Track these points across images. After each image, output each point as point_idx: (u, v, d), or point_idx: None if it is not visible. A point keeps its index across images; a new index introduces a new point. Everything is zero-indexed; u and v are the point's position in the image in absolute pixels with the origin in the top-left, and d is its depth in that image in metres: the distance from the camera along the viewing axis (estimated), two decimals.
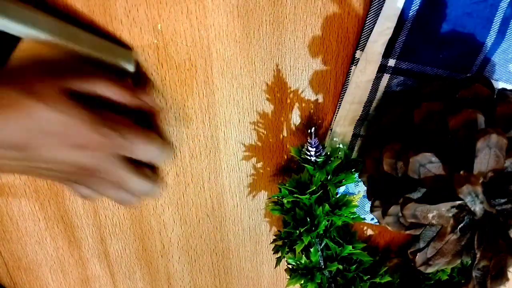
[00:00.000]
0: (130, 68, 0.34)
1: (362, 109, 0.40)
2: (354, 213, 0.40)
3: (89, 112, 0.28)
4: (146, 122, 0.34)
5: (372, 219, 0.47)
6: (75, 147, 0.27)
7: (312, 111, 0.41)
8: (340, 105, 0.40)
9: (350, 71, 0.38)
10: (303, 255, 0.41)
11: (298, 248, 0.39)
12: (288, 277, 0.42)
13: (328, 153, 0.39)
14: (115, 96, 0.30)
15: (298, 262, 0.42)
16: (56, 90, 0.27)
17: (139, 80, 0.36)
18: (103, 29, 0.34)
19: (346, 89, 0.39)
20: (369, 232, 0.49)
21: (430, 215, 0.31)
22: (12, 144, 0.26)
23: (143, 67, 0.36)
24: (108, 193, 0.31)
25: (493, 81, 0.37)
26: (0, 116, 0.25)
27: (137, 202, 0.33)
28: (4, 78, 0.27)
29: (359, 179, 0.40)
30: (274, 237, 0.43)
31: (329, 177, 0.39)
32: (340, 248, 0.41)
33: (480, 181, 0.29)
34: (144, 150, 0.30)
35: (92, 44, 0.32)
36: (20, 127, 0.26)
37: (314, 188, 0.38)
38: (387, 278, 0.43)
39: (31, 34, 0.29)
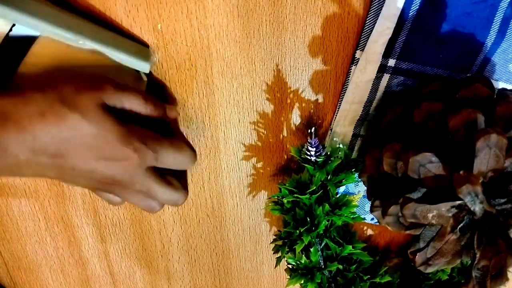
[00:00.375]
0: (146, 68, 0.34)
1: (362, 109, 0.40)
2: (354, 213, 0.40)
3: (121, 126, 0.29)
4: (167, 127, 0.34)
5: (372, 219, 0.47)
6: (107, 159, 0.28)
7: (312, 111, 0.41)
8: (340, 105, 0.40)
9: (350, 71, 0.38)
10: (303, 255, 0.41)
11: (298, 248, 0.39)
12: (288, 277, 0.42)
13: (328, 153, 0.39)
14: (145, 111, 0.31)
15: (298, 262, 0.42)
16: (93, 103, 0.28)
17: (151, 78, 0.36)
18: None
19: (346, 89, 0.39)
20: (369, 232, 0.49)
21: (430, 215, 0.31)
22: (46, 151, 0.27)
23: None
24: (135, 201, 0.32)
25: (493, 81, 0.38)
26: (41, 122, 0.26)
27: (161, 208, 0.34)
28: (35, 81, 0.28)
29: (359, 179, 0.40)
30: (274, 237, 0.43)
31: (329, 177, 0.39)
32: (340, 248, 0.41)
33: (480, 181, 0.29)
34: (172, 159, 0.31)
35: (110, 40, 0.32)
36: (57, 135, 0.26)
37: (314, 188, 0.38)
38: (387, 278, 0.43)
39: (50, 31, 0.29)
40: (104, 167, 0.29)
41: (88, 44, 0.30)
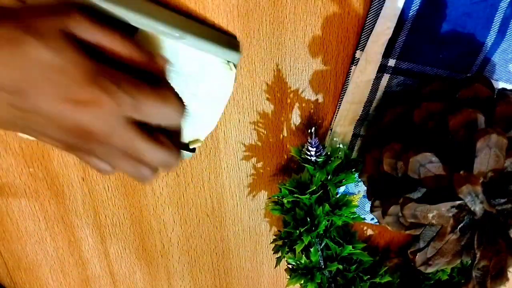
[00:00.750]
0: (236, 59, 0.33)
1: (362, 109, 0.40)
2: (354, 213, 0.40)
3: (89, 60, 0.24)
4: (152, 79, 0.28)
5: (372, 219, 0.47)
6: (74, 102, 0.24)
7: (312, 111, 0.41)
8: (340, 105, 0.40)
9: (350, 71, 0.38)
10: (303, 255, 0.41)
11: (298, 248, 0.39)
12: (288, 277, 0.42)
13: (328, 153, 0.39)
14: (123, 51, 0.26)
15: (298, 262, 0.42)
16: (56, 29, 0.23)
17: None
18: None
19: (346, 89, 0.39)
20: (369, 232, 0.49)
21: (430, 215, 0.31)
22: (4, 84, 0.23)
23: None
24: (121, 165, 0.27)
25: (493, 81, 0.37)
26: (8, 48, 0.22)
27: (155, 176, 0.29)
28: (8, 16, 0.24)
29: (359, 179, 0.40)
30: (274, 237, 0.43)
31: (329, 177, 0.39)
32: (340, 248, 0.41)
33: (480, 181, 0.29)
34: (155, 110, 0.26)
35: (202, 32, 0.32)
36: (13, 64, 0.23)
37: (314, 188, 0.38)
38: (387, 278, 0.43)
39: (147, 25, 0.29)
40: (72, 112, 0.24)
41: (187, 38, 0.30)
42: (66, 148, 0.27)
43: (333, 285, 0.41)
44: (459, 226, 0.32)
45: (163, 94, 0.26)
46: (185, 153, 0.37)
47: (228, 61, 0.34)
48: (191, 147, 0.37)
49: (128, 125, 0.25)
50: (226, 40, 0.34)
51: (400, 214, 0.33)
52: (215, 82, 0.34)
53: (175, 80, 0.31)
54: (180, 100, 0.27)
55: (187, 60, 0.32)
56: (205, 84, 0.33)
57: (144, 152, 0.26)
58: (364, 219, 0.45)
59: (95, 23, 0.25)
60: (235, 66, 0.34)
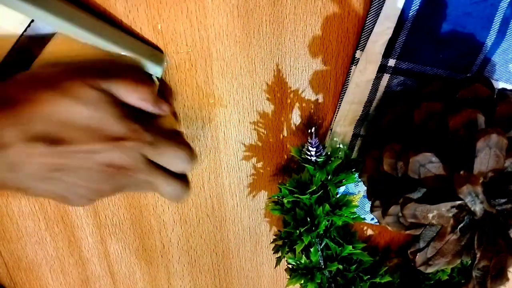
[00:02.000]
0: (158, 72, 0.34)
1: (362, 109, 0.40)
2: (354, 213, 0.40)
3: (119, 106, 0.27)
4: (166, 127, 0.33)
5: (372, 219, 0.47)
6: (105, 141, 0.27)
7: (312, 111, 0.41)
8: (340, 105, 0.40)
9: (350, 71, 0.38)
10: (303, 255, 0.41)
11: (298, 248, 0.39)
12: (288, 277, 0.42)
13: (329, 153, 0.39)
14: (137, 102, 0.29)
15: (298, 262, 0.42)
16: (82, 85, 0.26)
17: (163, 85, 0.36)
18: None
19: (346, 89, 0.39)
20: (369, 232, 0.49)
21: (430, 215, 0.31)
22: (39, 136, 0.25)
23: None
24: (146, 189, 0.31)
25: (493, 81, 0.37)
26: (27, 109, 0.25)
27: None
28: (33, 77, 0.27)
29: (359, 179, 0.40)
30: (274, 237, 0.43)
31: (329, 177, 0.39)
32: (340, 248, 0.41)
33: (480, 181, 0.29)
34: (171, 154, 0.30)
35: (126, 43, 0.32)
36: (46, 118, 0.25)
37: (314, 188, 0.38)
38: (387, 278, 0.43)
39: (69, 29, 0.29)
40: (104, 150, 0.27)
41: (103, 45, 0.30)
42: (95, 191, 0.29)
43: (333, 285, 0.41)
44: (459, 226, 0.32)
45: (180, 141, 0.31)
46: None
47: (151, 75, 0.34)
48: None
49: (148, 162, 0.29)
50: (150, 52, 0.34)
51: (400, 214, 0.33)
52: None
53: None
54: (192, 148, 0.31)
55: None
56: None
57: (161, 184, 0.30)
58: (364, 219, 0.45)
59: (115, 78, 0.28)
60: (158, 79, 0.35)
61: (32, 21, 0.29)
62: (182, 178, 0.32)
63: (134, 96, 0.29)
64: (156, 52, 0.35)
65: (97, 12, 0.33)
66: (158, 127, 0.30)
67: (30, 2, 0.27)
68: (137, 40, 0.34)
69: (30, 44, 0.30)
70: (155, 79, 0.35)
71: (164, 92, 0.36)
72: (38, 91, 0.26)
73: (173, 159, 0.30)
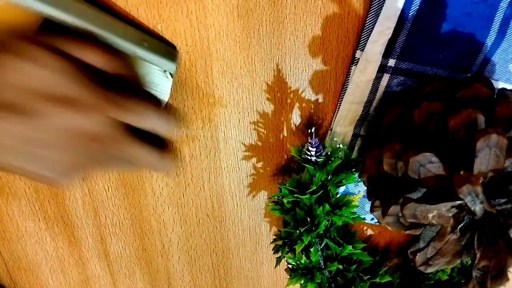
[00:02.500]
0: (172, 68, 0.34)
1: (362, 109, 0.40)
2: (354, 213, 0.40)
3: (78, 67, 0.25)
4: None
5: (372, 219, 0.47)
6: (72, 107, 0.24)
7: (312, 111, 0.41)
8: (340, 105, 0.40)
9: (350, 71, 0.38)
10: (303, 255, 0.41)
11: (298, 248, 0.39)
12: (288, 277, 0.42)
13: (329, 153, 0.39)
14: (99, 61, 0.26)
15: (298, 262, 0.42)
16: (36, 45, 0.24)
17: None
18: None
19: (346, 89, 0.39)
20: (369, 232, 0.49)
21: (430, 215, 0.31)
22: (6, 104, 0.23)
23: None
24: (116, 166, 0.28)
25: (493, 81, 0.38)
26: None
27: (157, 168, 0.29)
28: None
29: (359, 179, 0.40)
30: (274, 237, 0.43)
31: (329, 177, 0.39)
32: (340, 248, 0.41)
33: (480, 181, 0.29)
34: (143, 114, 0.26)
35: (141, 41, 0.32)
36: (7, 85, 0.23)
37: (315, 188, 0.38)
38: (387, 278, 0.43)
39: (80, 26, 0.28)
40: (72, 118, 0.24)
41: (118, 43, 0.30)
42: (69, 163, 0.27)
43: (333, 285, 0.41)
44: (459, 226, 0.32)
45: (147, 103, 0.27)
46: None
47: (165, 70, 0.34)
48: None
49: (118, 126, 0.26)
50: (164, 50, 0.34)
51: (400, 214, 0.33)
52: (152, 89, 0.34)
53: None
54: (166, 109, 0.28)
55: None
56: None
57: (136, 153, 0.27)
58: (364, 219, 0.45)
59: (71, 40, 0.26)
60: (171, 75, 0.35)
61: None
62: (163, 146, 0.29)
63: (97, 56, 0.26)
64: (169, 49, 0.35)
65: (105, 9, 0.33)
66: (129, 93, 0.27)
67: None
68: (151, 37, 0.34)
69: None
70: (169, 75, 0.35)
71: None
72: None
73: (149, 119, 0.27)
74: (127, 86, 0.27)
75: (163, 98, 0.35)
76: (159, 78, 0.34)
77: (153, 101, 0.28)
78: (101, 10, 0.32)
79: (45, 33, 0.26)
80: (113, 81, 0.27)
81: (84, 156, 0.26)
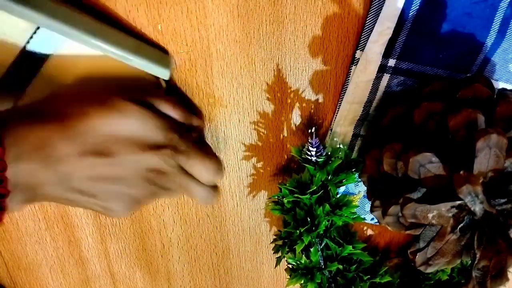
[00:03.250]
0: (166, 75, 0.34)
1: (362, 109, 0.40)
2: (354, 213, 0.40)
3: (158, 118, 0.30)
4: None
5: (372, 219, 0.47)
6: (147, 149, 0.29)
7: (312, 111, 0.41)
8: (340, 105, 0.40)
9: (350, 71, 0.38)
10: (303, 255, 0.41)
11: (298, 248, 0.39)
12: (288, 277, 0.42)
13: (329, 153, 0.39)
14: (171, 112, 0.32)
15: (298, 262, 0.42)
16: (126, 100, 0.29)
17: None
18: None
19: (346, 89, 0.39)
20: (369, 232, 0.49)
21: (430, 215, 0.31)
22: (91, 149, 0.28)
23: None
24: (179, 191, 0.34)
25: (493, 81, 0.37)
26: (79, 124, 0.27)
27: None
28: (75, 93, 0.30)
29: (359, 179, 0.40)
30: (274, 237, 0.43)
31: (329, 177, 0.39)
32: (340, 248, 0.41)
33: (480, 181, 0.29)
34: (202, 168, 0.33)
35: (132, 47, 0.32)
36: (95, 132, 0.28)
37: (315, 188, 0.38)
38: (387, 278, 0.43)
39: (71, 34, 0.29)
40: (146, 157, 0.30)
41: (110, 50, 0.30)
42: (140, 193, 0.32)
43: (333, 285, 0.41)
44: (459, 226, 0.32)
45: (209, 151, 0.34)
46: None
47: (158, 78, 0.34)
48: None
49: (181, 169, 0.32)
50: (158, 56, 0.34)
51: (400, 214, 0.33)
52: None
53: None
54: (219, 161, 0.34)
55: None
56: None
57: (192, 188, 0.33)
58: (364, 219, 0.45)
59: (149, 93, 0.32)
60: (165, 81, 0.35)
61: (38, 28, 0.29)
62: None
63: (171, 109, 0.32)
64: (163, 55, 0.35)
65: (100, 15, 0.33)
66: (190, 138, 0.33)
67: (32, 8, 0.27)
68: (143, 44, 0.34)
69: (27, 63, 0.30)
70: (163, 81, 0.35)
71: (193, 110, 0.39)
72: (84, 106, 0.28)
73: (202, 171, 0.33)
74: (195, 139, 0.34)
75: None
76: (152, 86, 0.34)
77: (209, 150, 0.35)
78: (94, 17, 0.32)
79: (132, 88, 0.31)
80: (181, 128, 0.33)
81: (148, 189, 0.31)
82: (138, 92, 0.31)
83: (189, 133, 0.34)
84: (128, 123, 0.29)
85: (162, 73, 0.34)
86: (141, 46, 0.33)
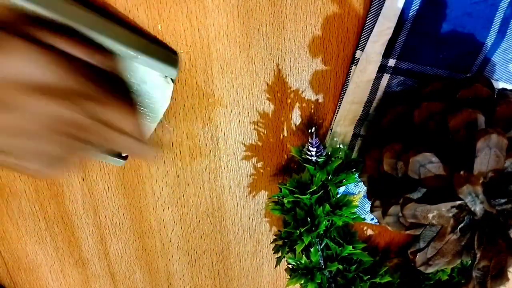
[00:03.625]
0: (174, 74, 0.34)
1: (362, 109, 0.40)
2: (354, 213, 0.40)
3: (58, 57, 0.25)
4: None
5: (372, 219, 0.47)
6: (48, 96, 0.24)
7: (312, 111, 0.41)
8: (340, 105, 0.40)
9: (350, 71, 0.38)
10: (303, 255, 0.41)
11: (299, 248, 0.39)
12: (288, 277, 0.42)
13: (329, 153, 0.39)
14: (81, 54, 0.26)
15: (298, 262, 0.42)
16: (11, 34, 0.24)
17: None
18: None
19: (346, 89, 0.39)
20: (369, 232, 0.49)
21: (430, 215, 0.31)
22: None
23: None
24: (104, 146, 0.28)
25: (493, 81, 0.38)
26: None
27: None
28: None
29: (359, 179, 0.40)
30: (274, 237, 0.43)
31: (329, 177, 0.39)
32: (340, 248, 0.41)
33: (480, 181, 0.29)
34: (122, 116, 0.27)
35: (141, 46, 0.32)
36: None
37: (315, 188, 0.38)
38: (387, 278, 0.43)
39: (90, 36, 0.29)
40: (50, 104, 0.24)
41: (118, 48, 0.30)
42: (53, 151, 0.27)
43: (333, 285, 0.41)
44: (459, 226, 0.32)
45: (129, 111, 0.28)
46: (117, 160, 0.38)
47: (166, 76, 0.34)
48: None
49: (99, 115, 0.26)
50: (165, 55, 0.34)
51: (400, 214, 0.33)
52: (153, 94, 0.34)
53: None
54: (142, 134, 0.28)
55: (128, 74, 0.33)
56: (143, 96, 0.34)
57: (116, 138, 0.27)
58: (364, 219, 0.45)
59: (49, 31, 0.26)
60: (172, 80, 0.35)
61: None
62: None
63: (71, 47, 0.26)
64: (170, 54, 0.35)
65: (96, 12, 0.33)
66: (105, 86, 0.27)
67: (43, 7, 0.27)
68: (151, 43, 0.34)
69: None
70: (170, 80, 0.35)
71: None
72: None
73: (122, 120, 0.27)
74: (111, 83, 0.28)
75: (164, 103, 0.35)
76: (160, 84, 0.34)
77: (133, 105, 0.28)
78: (103, 15, 0.32)
79: (24, 23, 0.25)
80: (97, 74, 0.27)
81: (68, 145, 0.26)
82: (33, 26, 0.25)
83: (100, 78, 0.27)
84: (17, 61, 0.24)
85: (170, 72, 0.34)
86: (149, 45, 0.33)
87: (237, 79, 0.38)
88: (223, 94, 0.39)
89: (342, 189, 0.45)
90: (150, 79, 0.33)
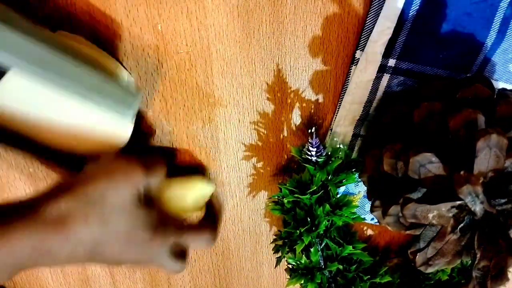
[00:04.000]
0: (130, 115, 0.33)
1: (362, 109, 0.40)
2: (354, 213, 0.40)
3: (150, 213, 0.31)
4: None
5: (372, 219, 0.47)
6: (136, 245, 0.30)
7: (312, 111, 0.41)
8: (340, 105, 0.40)
9: (350, 71, 0.38)
10: (303, 255, 0.41)
11: (299, 248, 0.39)
12: (288, 277, 0.42)
13: (329, 153, 0.39)
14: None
15: (298, 262, 0.42)
16: (124, 198, 0.30)
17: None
18: (104, 29, 0.34)
19: (346, 89, 0.39)
20: (369, 232, 0.49)
21: (430, 215, 0.31)
22: (85, 245, 0.29)
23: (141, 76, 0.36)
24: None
25: (493, 81, 0.38)
26: (82, 225, 0.28)
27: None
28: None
29: (359, 179, 0.40)
30: (274, 237, 0.43)
31: (329, 177, 0.39)
32: (340, 248, 0.41)
33: (480, 181, 0.29)
34: (194, 242, 0.34)
35: (90, 83, 0.30)
36: (93, 233, 0.29)
37: (315, 188, 0.38)
38: (387, 278, 0.43)
39: (23, 67, 0.27)
40: (131, 253, 0.30)
41: (66, 86, 0.29)
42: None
43: (333, 285, 0.41)
44: (459, 226, 0.32)
45: (201, 227, 0.35)
46: None
47: (125, 114, 0.33)
48: None
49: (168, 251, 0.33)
50: (120, 96, 0.32)
51: (400, 214, 0.33)
52: (109, 135, 0.33)
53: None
54: (211, 228, 0.36)
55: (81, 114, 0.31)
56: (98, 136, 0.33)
57: (166, 266, 0.34)
58: (364, 219, 0.45)
59: (152, 173, 0.33)
60: (132, 119, 0.34)
61: None
62: (182, 256, 0.35)
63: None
64: (130, 92, 0.33)
65: (96, 13, 0.33)
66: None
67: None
68: (107, 83, 0.31)
69: None
70: (129, 119, 0.33)
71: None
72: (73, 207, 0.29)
73: (193, 243, 0.34)
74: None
75: (122, 143, 0.34)
76: (117, 123, 0.33)
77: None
78: (53, 49, 0.28)
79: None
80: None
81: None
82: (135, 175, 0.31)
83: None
84: (121, 226, 0.30)
85: (127, 112, 0.32)
86: (103, 83, 0.31)
87: (237, 79, 0.38)
88: (223, 94, 0.39)
89: (342, 189, 0.45)
90: (105, 119, 0.32)
